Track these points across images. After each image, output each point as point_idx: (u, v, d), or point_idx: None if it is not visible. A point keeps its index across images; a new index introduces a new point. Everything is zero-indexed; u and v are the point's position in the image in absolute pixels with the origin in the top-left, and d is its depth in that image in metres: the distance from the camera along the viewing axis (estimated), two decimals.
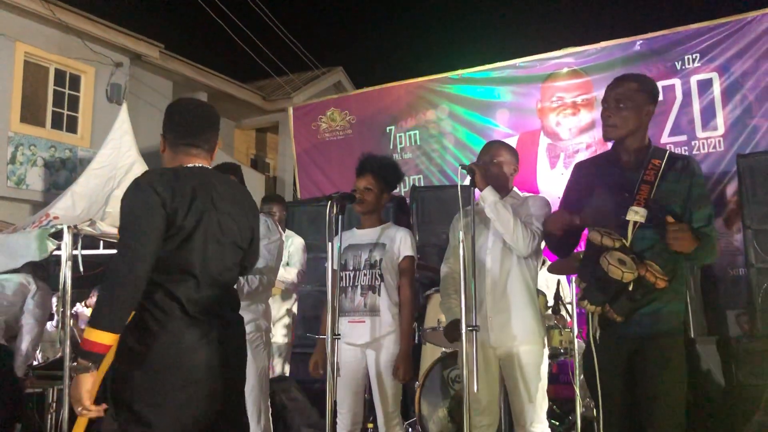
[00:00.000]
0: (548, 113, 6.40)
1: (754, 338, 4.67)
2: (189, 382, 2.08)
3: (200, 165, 2.34)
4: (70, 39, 10.62)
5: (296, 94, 14.82)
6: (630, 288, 2.35)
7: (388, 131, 7.33)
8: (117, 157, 6.38)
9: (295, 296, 5.65)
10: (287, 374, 5.57)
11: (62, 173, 10.58)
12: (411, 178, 7.04)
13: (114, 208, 6.14)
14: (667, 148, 5.71)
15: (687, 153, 5.73)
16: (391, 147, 7.28)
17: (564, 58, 6.34)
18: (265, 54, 14.01)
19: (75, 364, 2.00)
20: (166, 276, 2.12)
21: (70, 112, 10.92)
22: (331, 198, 2.98)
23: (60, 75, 10.79)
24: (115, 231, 6.17)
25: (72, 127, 10.94)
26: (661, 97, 5.76)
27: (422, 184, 6.90)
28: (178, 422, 2.07)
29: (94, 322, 1.97)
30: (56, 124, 10.73)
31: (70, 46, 10.65)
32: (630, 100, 2.57)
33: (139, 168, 6.37)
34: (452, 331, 2.86)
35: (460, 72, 6.94)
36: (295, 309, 5.66)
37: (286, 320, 5.48)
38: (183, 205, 2.13)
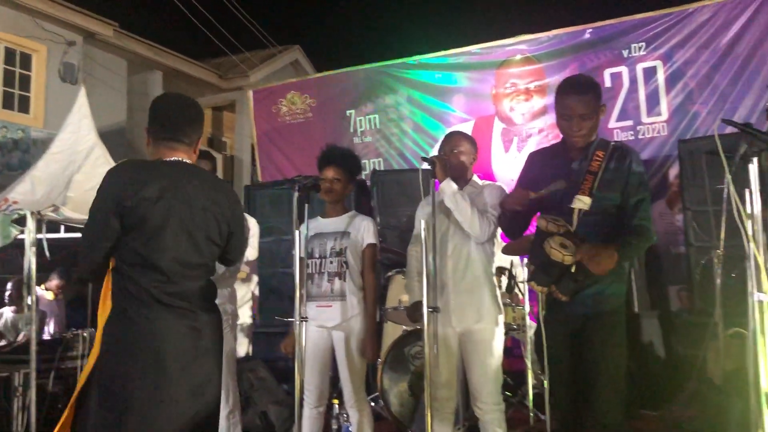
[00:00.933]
0: (502, 99, 6.63)
1: (692, 312, 5.01)
2: (163, 366, 2.15)
3: (179, 159, 2.36)
4: (20, 17, 10.37)
5: (253, 72, 14.74)
6: (572, 270, 2.58)
7: (348, 115, 7.46)
8: (76, 142, 6.34)
9: (255, 278, 5.80)
10: (250, 354, 5.74)
11: (15, 154, 10.39)
12: (371, 162, 7.21)
13: (75, 192, 6.13)
14: (615, 133, 6.04)
15: (633, 137, 6.03)
16: (351, 130, 7.42)
17: (517, 45, 6.56)
18: (221, 32, 13.88)
19: None
20: (138, 269, 2.19)
21: (21, 92, 10.68)
22: (297, 185, 3.13)
23: (10, 54, 10.54)
24: (77, 216, 6.19)
25: (24, 107, 10.72)
26: (609, 84, 6.10)
27: (382, 168, 7.07)
28: (153, 406, 2.12)
29: None
30: (8, 104, 10.49)
31: (21, 24, 10.40)
32: (591, 111, 2.76)
33: (100, 151, 6.36)
34: (415, 312, 3.05)
35: (417, 58, 7.10)
36: (257, 291, 5.81)
37: (249, 302, 5.63)
38: (150, 198, 2.18)
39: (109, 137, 9.07)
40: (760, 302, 2.36)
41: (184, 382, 2.20)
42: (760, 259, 2.38)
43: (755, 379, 2.34)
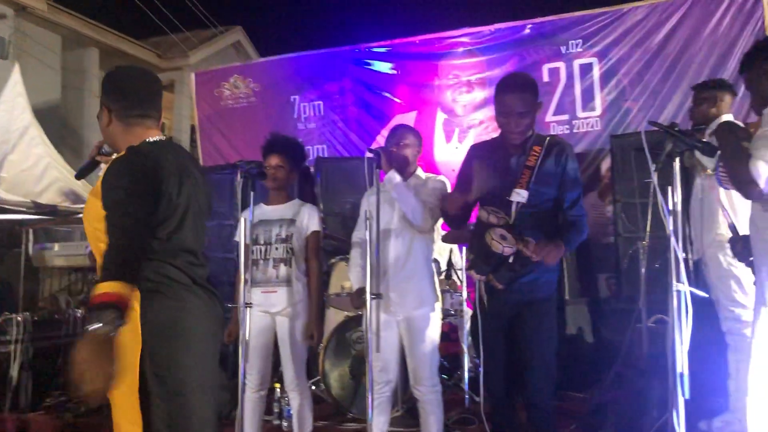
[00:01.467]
0: (445, 90, 6.78)
1: (619, 299, 5.28)
2: (202, 345, 2.06)
3: (167, 139, 2.20)
4: None
5: (193, 52, 14.48)
6: (510, 260, 2.72)
7: (292, 100, 7.47)
8: (10, 121, 6.17)
9: None
10: None
11: None
12: (315, 148, 7.25)
13: (9, 172, 5.98)
14: (551, 126, 6.26)
15: (568, 131, 6.26)
16: (296, 116, 7.44)
17: (460, 37, 6.71)
18: (161, 10, 13.54)
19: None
20: (172, 257, 2.06)
21: None
22: (242, 172, 3.16)
23: None
24: (12, 197, 6.02)
25: None
26: (547, 79, 6.32)
27: (326, 154, 7.13)
28: (204, 391, 2.05)
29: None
30: None
31: None
32: (528, 108, 2.88)
33: (35, 131, 6.21)
34: (358, 298, 3.14)
35: (362, 46, 7.17)
36: None
37: None
38: (174, 186, 2.07)
39: (43, 115, 8.80)
40: (678, 292, 2.56)
41: (215, 367, 2.17)
42: (680, 253, 2.57)
43: (673, 363, 2.53)
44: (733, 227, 3.56)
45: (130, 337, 1.91)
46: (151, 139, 2.14)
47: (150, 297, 1.99)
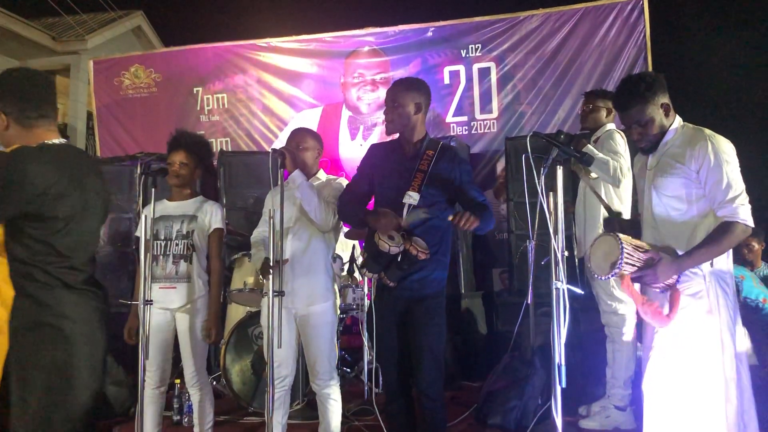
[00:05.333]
0: (350, 87, 6.90)
1: (511, 293, 5.58)
2: (75, 347, 2.11)
3: (65, 142, 2.21)
4: None
5: (91, 36, 13.84)
6: (399, 259, 2.87)
7: (195, 92, 7.36)
8: None
9: None
10: None
11: None
12: (218, 141, 7.18)
13: None
14: (451, 127, 6.50)
15: (467, 132, 6.53)
16: (198, 108, 7.34)
17: (366, 36, 6.84)
18: None
19: None
20: (46, 258, 2.09)
21: None
22: (144, 169, 3.15)
23: None
24: None
25: None
26: (448, 81, 6.55)
27: (229, 148, 7.07)
28: (66, 382, 2.09)
29: None
30: None
31: None
32: (398, 103, 3.03)
33: None
34: (265, 267, 3.10)
35: (268, 40, 7.16)
36: None
37: None
38: (66, 190, 2.08)
39: None
40: (557, 289, 2.77)
41: (94, 365, 2.21)
42: (559, 253, 2.79)
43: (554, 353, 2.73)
44: (608, 209, 3.87)
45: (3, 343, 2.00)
46: (50, 142, 2.15)
47: (18, 300, 2.05)
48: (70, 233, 2.13)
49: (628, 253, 2.50)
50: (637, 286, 2.56)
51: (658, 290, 2.62)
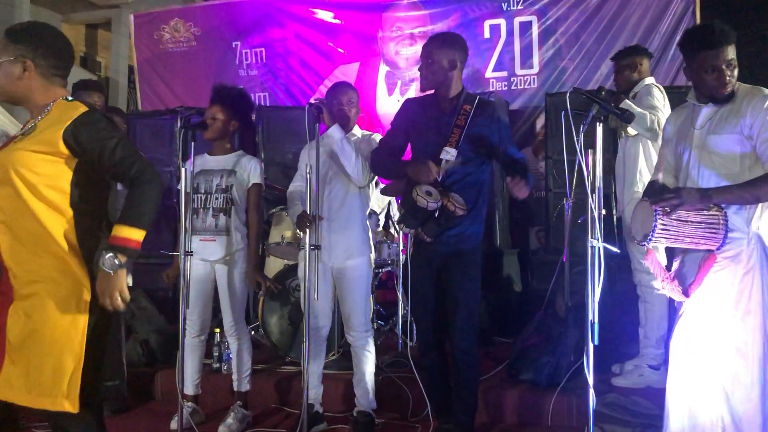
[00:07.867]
0: (388, 42, 6.82)
1: (547, 251, 5.55)
2: None
3: (79, 101, 2.21)
4: None
5: None
6: (436, 215, 2.88)
7: (234, 46, 7.37)
8: None
9: None
10: (130, 284, 5.73)
11: None
12: (257, 95, 7.20)
13: None
14: (490, 82, 6.41)
15: (506, 87, 6.43)
16: (237, 62, 7.36)
17: None
18: None
19: (114, 260, 2.07)
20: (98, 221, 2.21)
21: None
22: (183, 123, 3.20)
23: None
24: None
25: None
26: (488, 35, 6.42)
27: (268, 103, 7.10)
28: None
29: (131, 221, 2.07)
30: None
31: None
32: (435, 59, 3.00)
33: None
34: (302, 221, 3.18)
35: None
36: None
37: None
38: None
39: None
40: (593, 248, 2.76)
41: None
42: (596, 211, 2.77)
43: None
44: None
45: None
46: (70, 98, 2.19)
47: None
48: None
49: (661, 229, 2.48)
50: (662, 259, 2.54)
51: (686, 215, 2.49)
